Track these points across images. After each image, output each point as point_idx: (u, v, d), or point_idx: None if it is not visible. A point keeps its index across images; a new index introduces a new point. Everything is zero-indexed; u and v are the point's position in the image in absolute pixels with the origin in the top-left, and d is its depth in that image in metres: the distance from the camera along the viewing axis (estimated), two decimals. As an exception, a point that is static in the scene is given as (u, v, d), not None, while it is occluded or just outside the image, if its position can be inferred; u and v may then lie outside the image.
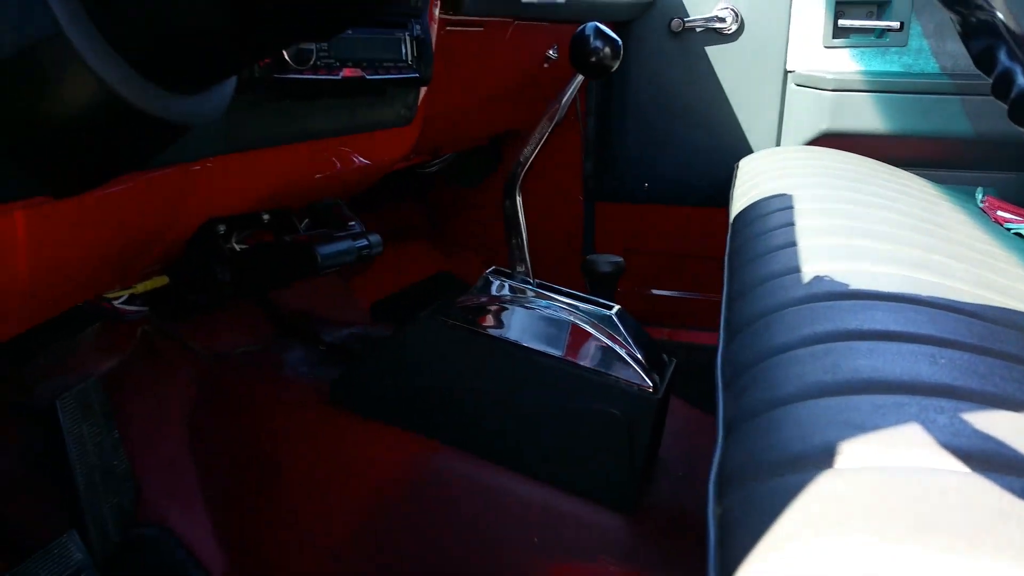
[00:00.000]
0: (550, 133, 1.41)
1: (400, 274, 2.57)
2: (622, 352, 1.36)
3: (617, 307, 1.45)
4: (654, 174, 2.39)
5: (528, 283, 1.48)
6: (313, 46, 0.98)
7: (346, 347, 1.77)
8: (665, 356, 1.49)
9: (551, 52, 2.02)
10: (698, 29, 2.24)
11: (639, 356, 1.39)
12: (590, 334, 1.38)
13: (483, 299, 1.43)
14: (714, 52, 2.26)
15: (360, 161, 1.24)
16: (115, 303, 1.15)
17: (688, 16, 2.24)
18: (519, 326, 1.36)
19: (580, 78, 1.34)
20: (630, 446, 1.33)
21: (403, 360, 1.40)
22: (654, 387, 1.34)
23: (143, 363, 1.62)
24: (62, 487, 1.39)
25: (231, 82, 0.74)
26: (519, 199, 1.44)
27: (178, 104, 0.66)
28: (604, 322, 1.41)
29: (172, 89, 0.64)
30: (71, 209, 0.79)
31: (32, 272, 0.80)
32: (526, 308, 1.40)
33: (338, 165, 1.20)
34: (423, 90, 1.28)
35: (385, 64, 1.10)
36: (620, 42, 1.30)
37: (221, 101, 0.73)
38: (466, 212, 2.81)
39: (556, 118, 1.36)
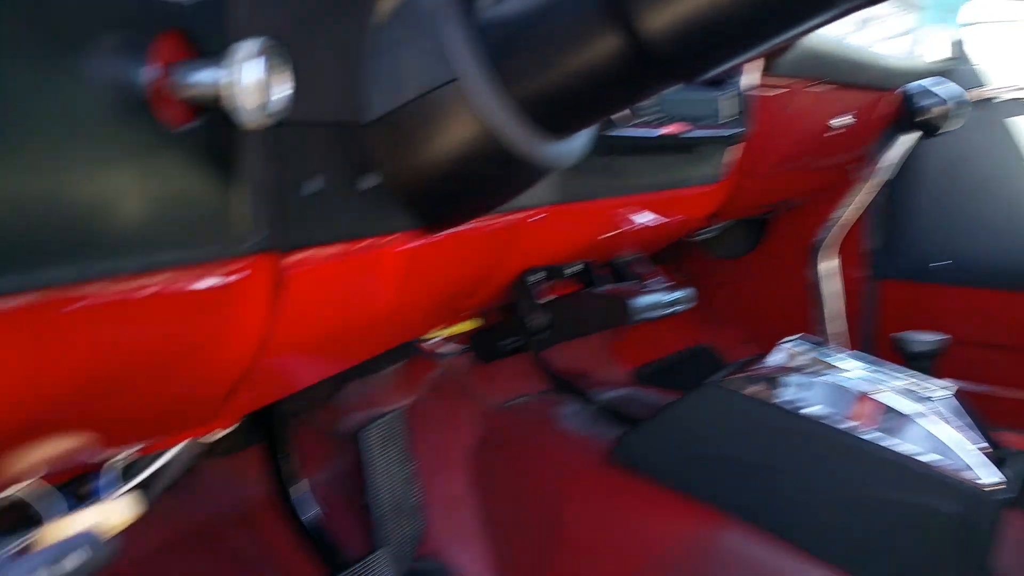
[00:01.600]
0: (860, 199, 1.34)
1: (658, 343, 2.54)
2: (958, 439, 1.21)
3: (955, 386, 1.30)
4: (953, 252, 2.18)
5: (841, 353, 1.38)
6: (644, 102, 1.01)
7: (618, 408, 1.77)
8: (1013, 449, 1.31)
9: (845, 119, 1.94)
10: (997, 100, 2.04)
11: (980, 446, 1.23)
12: (918, 416, 1.24)
13: (783, 367, 1.36)
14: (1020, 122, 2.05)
15: (667, 219, 1.26)
16: (431, 343, 1.24)
17: (986, 85, 2.06)
18: (823, 399, 1.28)
19: (906, 139, 1.27)
20: (963, 556, 1.16)
21: (692, 425, 1.37)
22: (998, 485, 1.17)
23: (434, 403, 1.73)
24: (362, 511, 1.51)
25: (591, 131, 0.78)
26: (827, 265, 1.36)
27: (547, 148, 0.70)
28: (937, 403, 1.27)
29: (547, 131, 0.69)
30: (431, 248, 0.87)
31: (394, 304, 0.88)
32: (831, 380, 1.31)
33: (646, 221, 1.22)
34: (732, 150, 1.27)
35: (703, 122, 1.11)
36: (962, 98, 1.21)
37: (581, 147, 0.77)
38: (728, 285, 2.74)
39: (873, 181, 1.29)
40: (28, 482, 0.65)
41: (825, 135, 1.93)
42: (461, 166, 0.69)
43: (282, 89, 0.53)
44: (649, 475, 1.43)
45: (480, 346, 1.20)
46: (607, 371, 2.27)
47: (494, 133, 0.65)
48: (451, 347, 1.26)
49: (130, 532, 1.39)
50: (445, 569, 1.55)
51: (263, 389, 0.83)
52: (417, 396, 1.77)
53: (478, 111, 0.65)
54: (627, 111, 0.98)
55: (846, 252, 2.35)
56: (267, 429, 1.41)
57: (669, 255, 2.80)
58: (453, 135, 0.67)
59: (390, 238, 0.78)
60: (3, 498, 0.68)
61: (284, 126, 0.58)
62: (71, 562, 0.54)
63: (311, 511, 1.40)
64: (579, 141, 0.76)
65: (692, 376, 1.98)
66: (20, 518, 0.69)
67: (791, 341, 1.42)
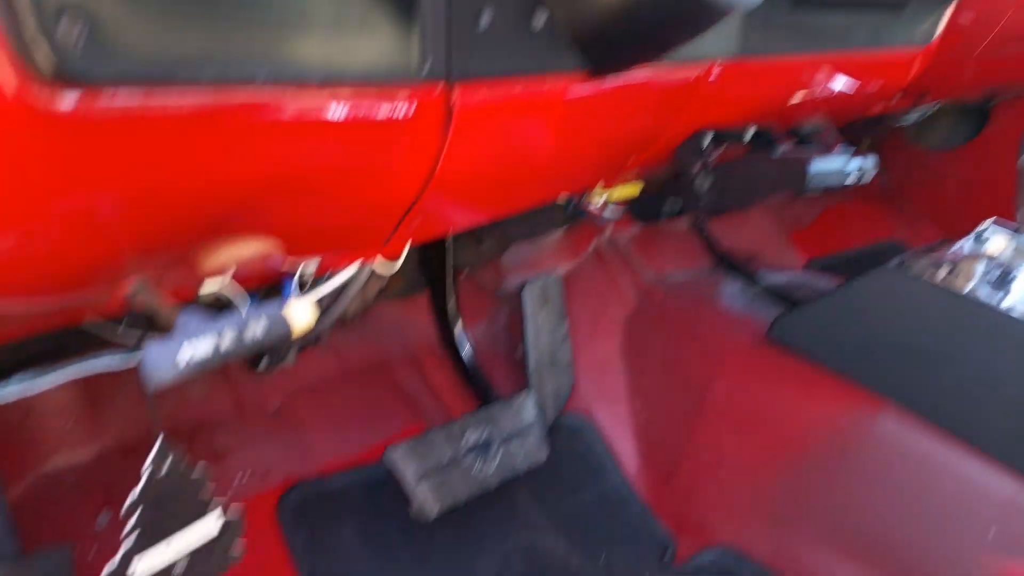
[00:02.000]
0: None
1: (842, 233, 2.39)
2: None
3: None
4: None
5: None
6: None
7: (784, 291, 1.71)
8: None
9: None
10: None
11: None
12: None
13: (969, 255, 1.25)
14: None
15: (859, 85, 1.16)
16: (593, 206, 1.25)
17: None
18: (1013, 290, 1.17)
19: None
20: None
21: (862, 308, 1.30)
22: None
23: (594, 270, 1.76)
24: (517, 363, 1.59)
25: None
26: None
27: None
28: None
29: None
30: (598, 97, 0.86)
31: (557, 150, 0.89)
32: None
33: (837, 86, 1.13)
34: (948, 12, 1.14)
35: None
36: None
37: None
38: (931, 179, 2.49)
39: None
40: (223, 280, 0.74)
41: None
42: (633, 6, 0.67)
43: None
44: (807, 356, 1.39)
45: (643, 208, 1.19)
46: (779, 257, 2.18)
47: None
48: (613, 210, 1.26)
49: (310, 362, 1.57)
50: (587, 425, 1.61)
51: (430, 221, 0.88)
52: (578, 262, 1.80)
53: None
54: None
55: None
56: (435, 279, 1.49)
57: (864, 134, 2.59)
58: None
59: (557, 80, 0.78)
60: (205, 294, 0.78)
61: None
62: (252, 330, 0.63)
63: (470, 355, 1.50)
64: None
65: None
66: (218, 310, 0.79)
67: (984, 227, 1.29)
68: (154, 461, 0.76)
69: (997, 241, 1.25)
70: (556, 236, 1.79)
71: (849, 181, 1.05)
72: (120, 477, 1.32)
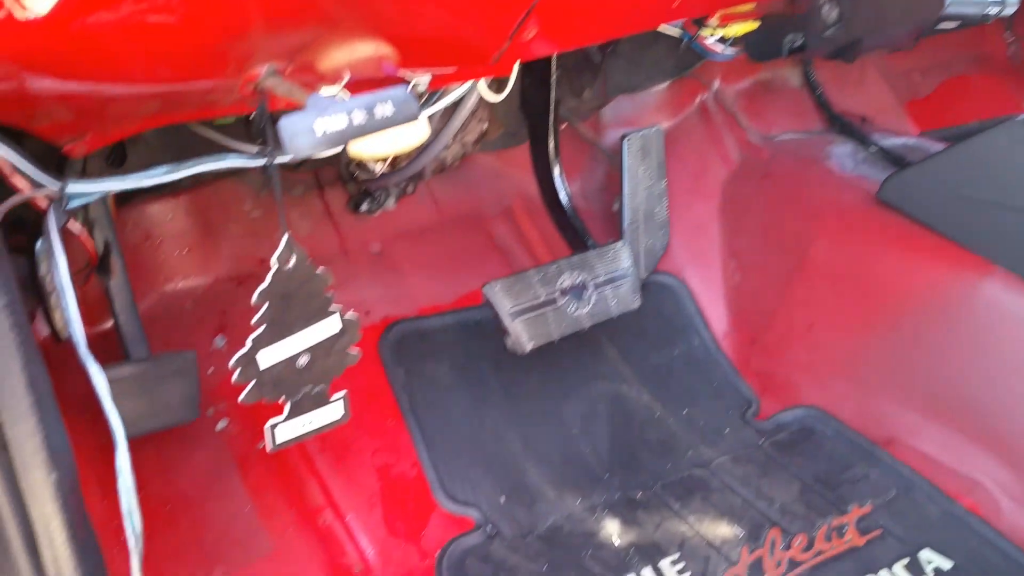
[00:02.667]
0: None
1: (962, 106, 2.23)
2: None
3: None
4: None
5: None
6: None
7: (897, 154, 1.63)
8: None
9: None
10: None
11: None
12: None
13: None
14: None
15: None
16: (707, 41, 1.20)
17: None
18: None
19: None
20: None
21: (977, 166, 1.24)
22: None
23: (697, 127, 1.71)
24: (613, 216, 1.59)
25: None
26: None
27: None
28: None
29: None
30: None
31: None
32: None
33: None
34: None
35: None
36: None
37: None
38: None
39: None
40: (339, 86, 0.75)
41: None
42: None
43: None
44: (916, 218, 1.34)
45: (760, 44, 1.13)
46: (893, 125, 2.07)
47: None
48: (726, 48, 1.21)
49: (409, 209, 1.60)
50: (681, 285, 1.61)
51: (542, 36, 0.86)
52: (682, 118, 1.76)
53: None
54: None
55: None
56: (537, 126, 1.48)
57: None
58: None
59: None
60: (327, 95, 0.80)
61: None
62: (382, 109, 0.64)
63: (568, 204, 1.50)
64: None
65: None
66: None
67: None
68: (280, 256, 0.80)
69: None
70: (660, 90, 1.74)
71: (990, 12, 0.97)
72: (233, 303, 1.41)
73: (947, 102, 2.21)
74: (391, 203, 1.55)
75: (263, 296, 0.82)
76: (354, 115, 0.64)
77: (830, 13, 1.00)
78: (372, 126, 0.65)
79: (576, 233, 1.46)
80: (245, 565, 1.13)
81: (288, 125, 0.62)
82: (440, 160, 1.49)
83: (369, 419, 1.32)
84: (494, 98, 1.07)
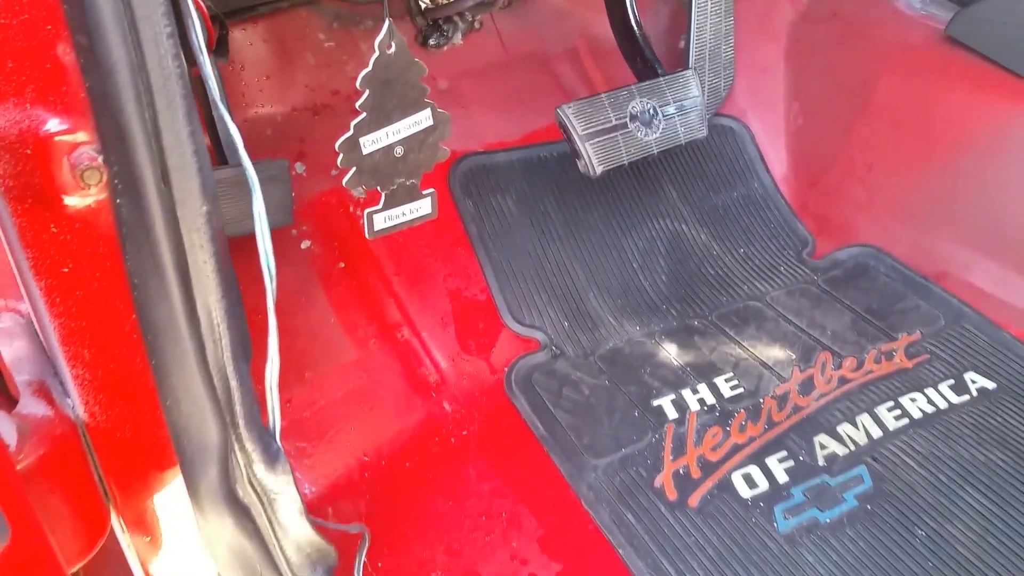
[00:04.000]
0: None
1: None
2: None
3: None
4: None
5: None
6: None
7: (972, -3, 1.59)
8: None
9: None
10: None
11: None
12: None
13: None
14: None
15: None
16: None
17: None
18: None
19: None
20: None
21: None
22: None
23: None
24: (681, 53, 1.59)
25: None
26: None
27: None
28: None
29: None
30: None
31: None
32: None
33: None
34: None
35: None
36: None
37: None
38: None
39: None
40: None
41: None
42: None
43: None
44: (984, 55, 1.33)
45: None
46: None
47: None
48: None
49: (476, 46, 1.61)
50: (742, 128, 1.63)
51: None
52: None
53: None
54: None
55: None
56: None
57: None
58: None
59: None
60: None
61: None
62: None
63: (639, 33, 1.49)
64: None
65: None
66: None
67: None
68: (382, 42, 0.84)
69: None
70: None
71: None
72: (309, 133, 1.46)
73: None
74: (458, 38, 1.56)
75: (365, 81, 0.86)
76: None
77: None
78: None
79: (646, 62, 1.47)
80: (331, 371, 1.23)
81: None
82: (507, -6, 1.48)
83: (440, 246, 1.39)
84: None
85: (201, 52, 0.69)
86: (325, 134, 1.43)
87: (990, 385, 1.21)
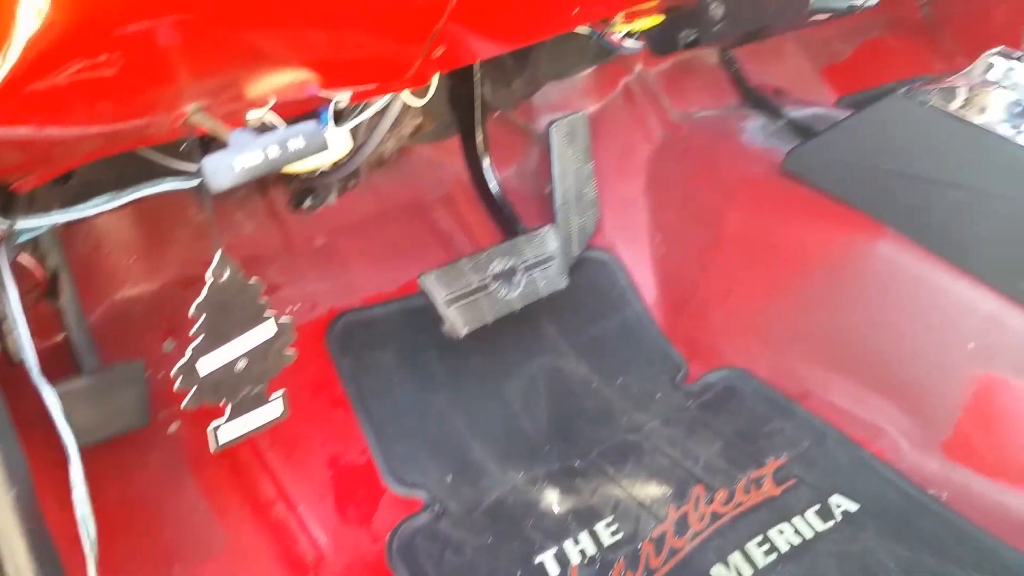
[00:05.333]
0: None
1: (876, 68, 2.34)
2: None
3: None
4: None
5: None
6: None
7: (806, 125, 1.73)
8: None
9: None
10: None
11: None
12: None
13: (979, 81, 1.27)
14: None
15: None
16: (615, 37, 1.27)
17: None
18: (1013, 117, 1.19)
19: None
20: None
21: (871, 137, 1.34)
22: None
23: (622, 108, 1.79)
24: (546, 199, 1.67)
25: None
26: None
27: None
28: None
29: None
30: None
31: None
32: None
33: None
34: None
35: None
36: None
37: None
38: (980, 9, 2.39)
39: None
40: (265, 109, 0.81)
41: None
42: None
43: None
44: (818, 186, 1.45)
45: (659, 39, 1.21)
46: (810, 92, 2.17)
47: None
48: (632, 42, 1.28)
49: (350, 202, 1.66)
50: (612, 259, 1.70)
51: (454, 49, 0.92)
52: (607, 101, 1.83)
53: None
54: None
55: None
56: (465, 119, 1.54)
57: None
58: None
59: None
60: (252, 119, 0.86)
61: None
62: (294, 144, 0.71)
63: (499, 192, 1.57)
64: None
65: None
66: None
67: (994, 53, 1.29)
68: (215, 271, 0.87)
69: (1005, 65, 1.25)
70: (586, 75, 1.81)
71: (856, 3, 1.05)
72: (182, 307, 1.46)
73: (863, 66, 2.31)
74: (332, 198, 1.61)
75: (200, 308, 0.88)
76: (269, 150, 0.71)
77: (717, 10, 1.08)
78: (286, 159, 0.72)
79: (506, 220, 1.53)
80: (201, 561, 1.20)
81: (209, 164, 0.69)
82: (378, 155, 1.54)
83: (318, 410, 1.39)
84: (417, 102, 1.14)
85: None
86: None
87: (853, 507, 1.26)
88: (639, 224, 1.74)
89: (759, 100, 1.84)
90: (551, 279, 1.48)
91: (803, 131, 1.68)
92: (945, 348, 1.25)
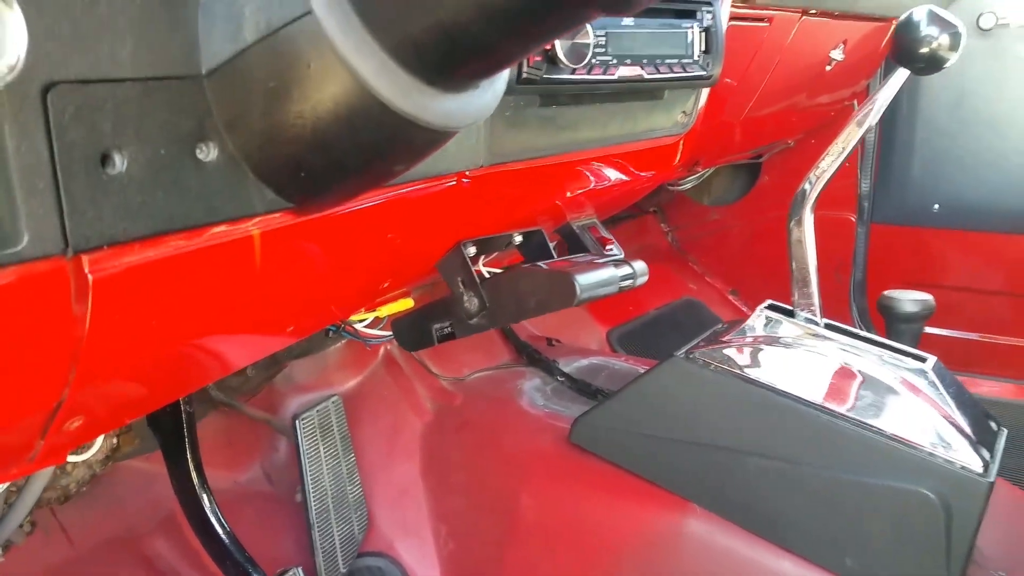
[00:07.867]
0: (853, 144, 1.16)
1: (637, 298, 2.38)
2: (940, 417, 1.07)
3: (933, 359, 1.16)
4: (947, 194, 2.02)
5: (814, 323, 1.23)
6: (590, 39, 0.82)
7: (585, 380, 1.61)
8: (993, 424, 1.18)
9: (836, 52, 1.74)
10: (1017, 26, 1.86)
11: (962, 424, 1.09)
12: (897, 392, 1.10)
13: (755, 339, 1.20)
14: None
15: (626, 176, 1.07)
16: (358, 327, 1.07)
17: (1002, 11, 1.87)
18: (800, 376, 1.12)
19: (903, 75, 1.09)
20: (947, 541, 1.04)
21: (655, 403, 1.21)
22: (984, 466, 1.04)
23: (384, 381, 1.57)
24: (300, 507, 1.36)
25: (502, 78, 0.59)
26: (809, 221, 1.19)
27: (441, 103, 0.52)
28: (915, 377, 1.13)
29: (435, 84, 0.51)
30: (314, 228, 0.69)
31: (266, 298, 0.71)
32: (811, 354, 1.15)
33: (600, 181, 1.04)
34: (705, 93, 1.09)
35: (668, 62, 0.92)
36: (959, 29, 1.03)
37: (490, 101, 0.58)
38: (716, 233, 2.57)
39: (867, 123, 1.11)
40: None
41: (813, 71, 1.74)
42: (325, 127, 0.51)
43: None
44: (609, 458, 1.28)
45: (405, 332, 1.03)
46: (582, 333, 2.11)
47: (363, 82, 0.48)
48: (379, 332, 1.10)
49: (37, 551, 1.25)
50: (391, 566, 1.41)
51: (99, 415, 0.66)
52: (366, 374, 1.61)
53: (341, 52, 0.47)
54: (561, 53, 0.79)
55: (835, 196, 2.19)
56: (168, 430, 1.22)
57: (650, 202, 2.63)
58: (311, 86, 0.50)
59: (247, 223, 0.60)
60: None
61: (59, 85, 0.44)
62: None
63: (229, 519, 1.23)
64: (489, 93, 0.57)
65: (674, 336, 1.82)
66: None
67: (766, 308, 1.26)
68: None
69: (776, 321, 1.22)
70: (337, 347, 1.58)
71: (621, 287, 0.96)
72: None
73: (624, 297, 2.32)
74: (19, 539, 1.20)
75: None
76: None
77: (471, 302, 0.92)
78: None
79: (242, 554, 1.18)
80: None
81: None
82: (62, 489, 1.18)
83: None
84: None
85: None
86: None
87: None
88: (418, 517, 1.47)
89: (532, 355, 1.71)
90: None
91: (583, 388, 1.56)
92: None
